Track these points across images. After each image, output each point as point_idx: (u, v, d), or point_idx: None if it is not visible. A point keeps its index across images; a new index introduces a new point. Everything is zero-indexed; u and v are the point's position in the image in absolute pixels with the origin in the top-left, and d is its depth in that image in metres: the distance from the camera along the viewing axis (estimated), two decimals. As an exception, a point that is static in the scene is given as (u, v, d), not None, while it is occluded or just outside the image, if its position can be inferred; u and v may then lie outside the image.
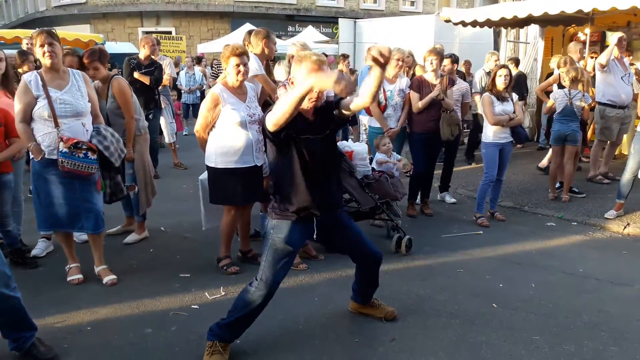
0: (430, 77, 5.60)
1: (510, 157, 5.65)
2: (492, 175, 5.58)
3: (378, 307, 3.45)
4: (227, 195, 4.08)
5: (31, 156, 3.78)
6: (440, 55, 5.69)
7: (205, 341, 2.97)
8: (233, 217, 4.17)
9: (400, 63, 5.56)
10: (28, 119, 3.68)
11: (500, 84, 5.38)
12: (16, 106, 3.68)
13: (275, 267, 2.90)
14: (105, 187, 4.03)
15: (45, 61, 3.65)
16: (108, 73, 4.59)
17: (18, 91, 3.69)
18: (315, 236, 3.00)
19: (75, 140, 3.65)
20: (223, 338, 2.95)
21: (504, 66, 5.58)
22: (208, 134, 4.07)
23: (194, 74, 11.79)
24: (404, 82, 5.67)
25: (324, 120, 2.93)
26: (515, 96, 5.59)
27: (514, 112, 5.44)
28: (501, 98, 5.43)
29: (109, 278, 3.97)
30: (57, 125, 3.64)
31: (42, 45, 3.62)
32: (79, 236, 4.81)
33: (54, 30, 3.74)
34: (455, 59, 6.59)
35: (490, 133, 5.51)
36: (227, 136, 3.97)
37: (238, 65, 3.89)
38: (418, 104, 5.50)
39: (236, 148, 3.95)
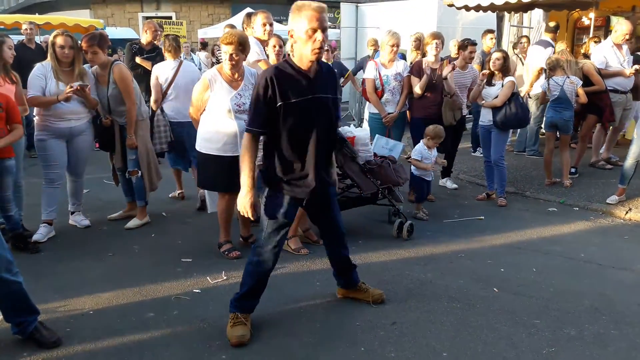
0: (430, 61, 5.55)
1: (500, 141, 5.58)
2: (486, 156, 5.80)
3: (365, 290, 3.44)
4: (210, 180, 4.10)
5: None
6: (442, 39, 5.64)
7: (203, 328, 3.03)
8: (227, 202, 4.14)
9: (395, 48, 5.44)
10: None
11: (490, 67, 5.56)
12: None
13: (275, 236, 2.99)
14: None
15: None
16: (108, 59, 4.55)
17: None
18: (304, 203, 3.05)
19: None
20: (243, 309, 3.06)
21: (498, 50, 5.70)
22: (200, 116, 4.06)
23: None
24: (400, 65, 5.56)
25: (327, 83, 2.93)
26: (508, 79, 5.45)
27: (496, 97, 5.48)
28: (489, 81, 5.58)
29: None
30: None
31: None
32: (80, 221, 4.82)
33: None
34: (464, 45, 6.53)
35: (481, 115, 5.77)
36: (212, 123, 3.96)
37: (230, 56, 3.82)
38: (417, 88, 5.45)
39: (219, 136, 3.93)
